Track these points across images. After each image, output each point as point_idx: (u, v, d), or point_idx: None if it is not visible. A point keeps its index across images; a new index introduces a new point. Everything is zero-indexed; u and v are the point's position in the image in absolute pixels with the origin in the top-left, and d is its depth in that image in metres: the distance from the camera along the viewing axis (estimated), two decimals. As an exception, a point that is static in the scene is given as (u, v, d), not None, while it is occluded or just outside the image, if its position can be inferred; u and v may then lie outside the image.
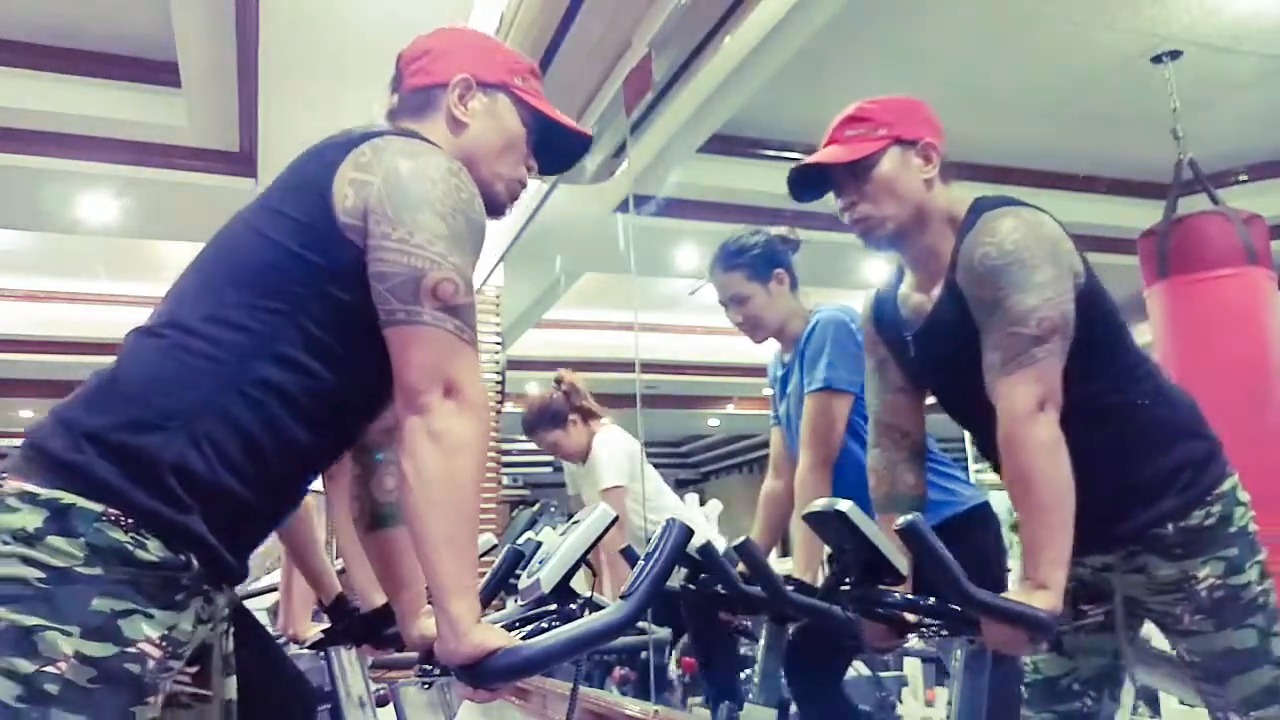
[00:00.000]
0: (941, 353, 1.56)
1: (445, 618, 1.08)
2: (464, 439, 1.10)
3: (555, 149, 1.43)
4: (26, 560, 1.02)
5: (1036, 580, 1.36)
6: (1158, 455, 1.49)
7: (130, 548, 1.04)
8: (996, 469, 1.55)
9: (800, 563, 2.18)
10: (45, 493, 1.04)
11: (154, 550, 1.06)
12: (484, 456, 1.13)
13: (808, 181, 1.63)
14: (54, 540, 1.02)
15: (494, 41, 1.43)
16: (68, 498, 1.04)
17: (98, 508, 1.04)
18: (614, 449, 3.37)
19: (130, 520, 1.05)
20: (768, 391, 2.59)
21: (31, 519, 1.03)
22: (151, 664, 1.06)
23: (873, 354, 1.73)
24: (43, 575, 1.02)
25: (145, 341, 1.16)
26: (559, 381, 3.46)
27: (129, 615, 1.04)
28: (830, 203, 1.68)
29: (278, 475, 1.16)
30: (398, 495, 1.37)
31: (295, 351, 1.14)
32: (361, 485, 1.50)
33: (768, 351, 2.54)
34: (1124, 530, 1.48)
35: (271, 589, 3.21)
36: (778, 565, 2.37)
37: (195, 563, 1.09)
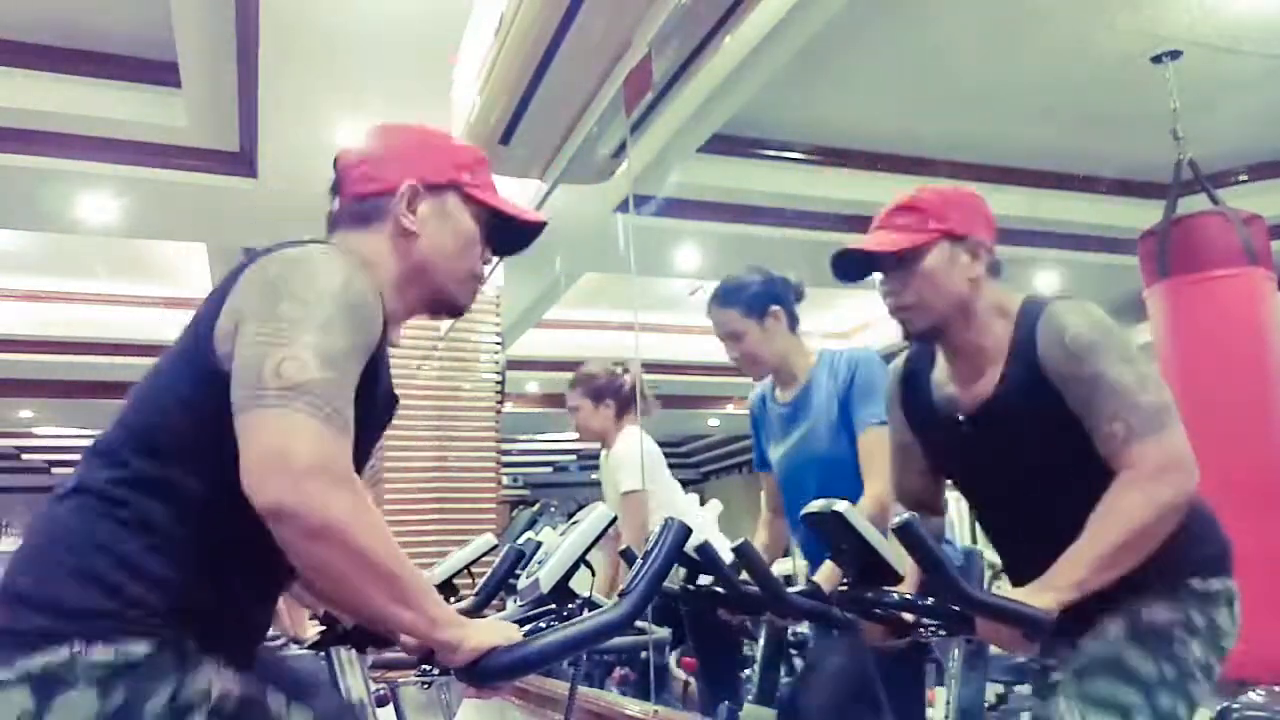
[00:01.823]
0: (998, 434, 1.55)
1: (433, 645, 1.09)
2: (338, 523, 1.00)
3: (510, 235, 1.39)
4: None
5: (1052, 583, 1.36)
6: (1174, 547, 1.44)
7: (119, 654, 1.02)
8: (1010, 555, 1.59)
9: (823, 575, 2.18)
10: (15, 670, 1.00)
11: (139, 645, 1.04)
12: (364, 515, 1.03)
13: (852, 263, 1.62)
14: (61, 703, 0.99)
15: (438, 136, 1.38)
16: (38, 659, 1.00)
17: (64, 649, 1.01)
18: (636, 452, 3.37)
19: (99, 638, 1.02)
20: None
21: (21, 700, 0.99)
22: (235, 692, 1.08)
23: (897, 434, 1.75)
24: None
25: (56, 508, 1.13)
26: (624, 370, 3.49)
27: (183, 686, 1.05)
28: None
29: (225, 600, 1.14)
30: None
31: (189, 496, 1.10)
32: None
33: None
34: (1119, 588, 1.44)
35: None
36: (775, 566, 2.37)
37: (187, 633, 1.08)
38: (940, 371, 1.65)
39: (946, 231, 1.56)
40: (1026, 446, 1.52)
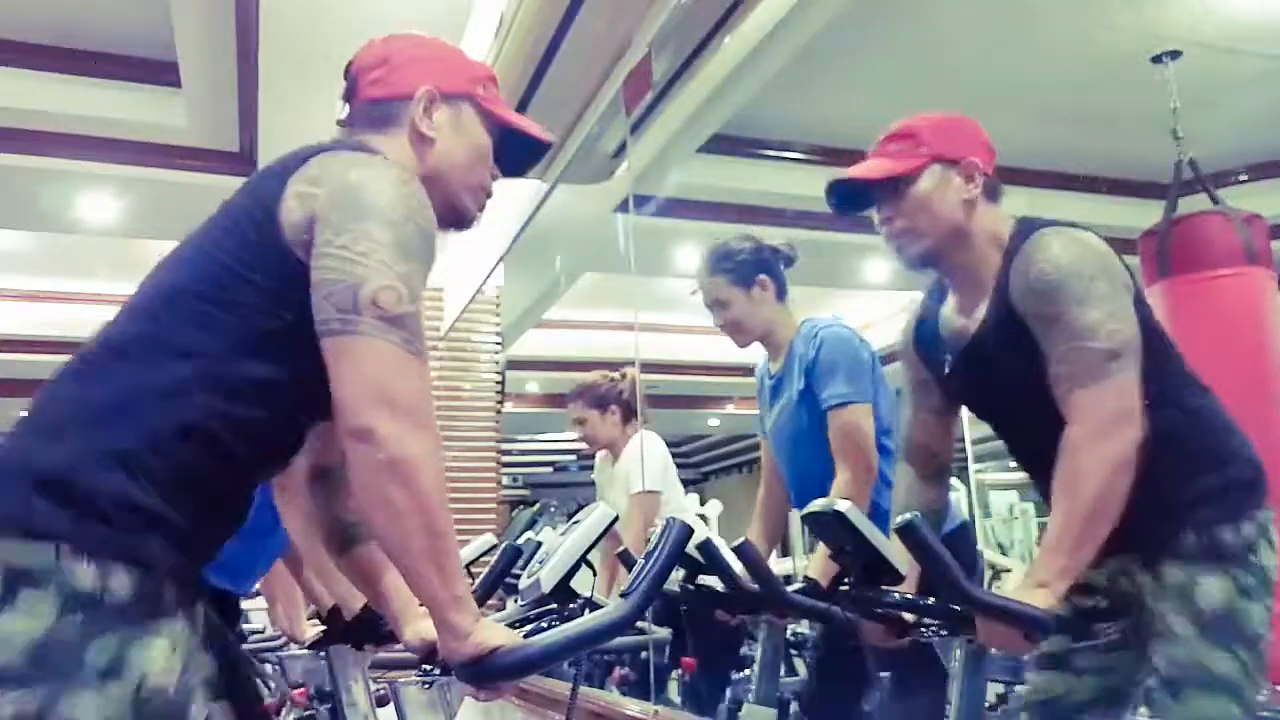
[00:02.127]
0: (986, 371, 1.56)
1: (444, 627, 1.08)
2: (417, 461, 1.04)
3: (515, 153, 1.41)
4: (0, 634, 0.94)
5: (1040, 578, 1.36)
6: (1195, 472, 1.47)
7: (100, 579, 0.98)
8: (1036, 478, 1.55)
9: (816, 566, 2.19)
10: None
11: (122, 577, 0.99)
12: (440, 468, 1.07)
13: (848, 194, 1.62)
14: (22, 601, 0.95)
15: (453, 48, 1.39)
16: (17, 549, 0.97)
17: (49, 548, 0.97)
18: (650, 453, 3.37)
19: (86, 551, 0.98)
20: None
21: None
22: (173, 684, 1.01)
23: (912, 373, 1.73)
24: (26, 642, 0.94)
25: (79, 370, 1.12)
26: (621, 375, 3.50)
27: (131, 645, 0.98)
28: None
29: (219, 495, 1.12)
30: (366, 523, 1.33)
31: (235, 377, 1.09)
32: (324, 508, 1.46)
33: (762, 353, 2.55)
34: (1148, 536, 1.46)
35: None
36: (776, 565, 2.38)
37: (165, 578, 1.03)
38: (948, 304, 1.65)
39: (938, 155, 1.55)
40: (1013, 380, 1.50)
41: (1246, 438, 1.53)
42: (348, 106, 1.33)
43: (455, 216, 1.34)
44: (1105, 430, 1.37)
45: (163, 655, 1.00)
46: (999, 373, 1.53)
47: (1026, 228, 1.52)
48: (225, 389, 1.09)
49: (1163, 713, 1.42)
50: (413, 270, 1.10)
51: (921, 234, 1.55)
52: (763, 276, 2.35)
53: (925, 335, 1.69)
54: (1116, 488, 1.36)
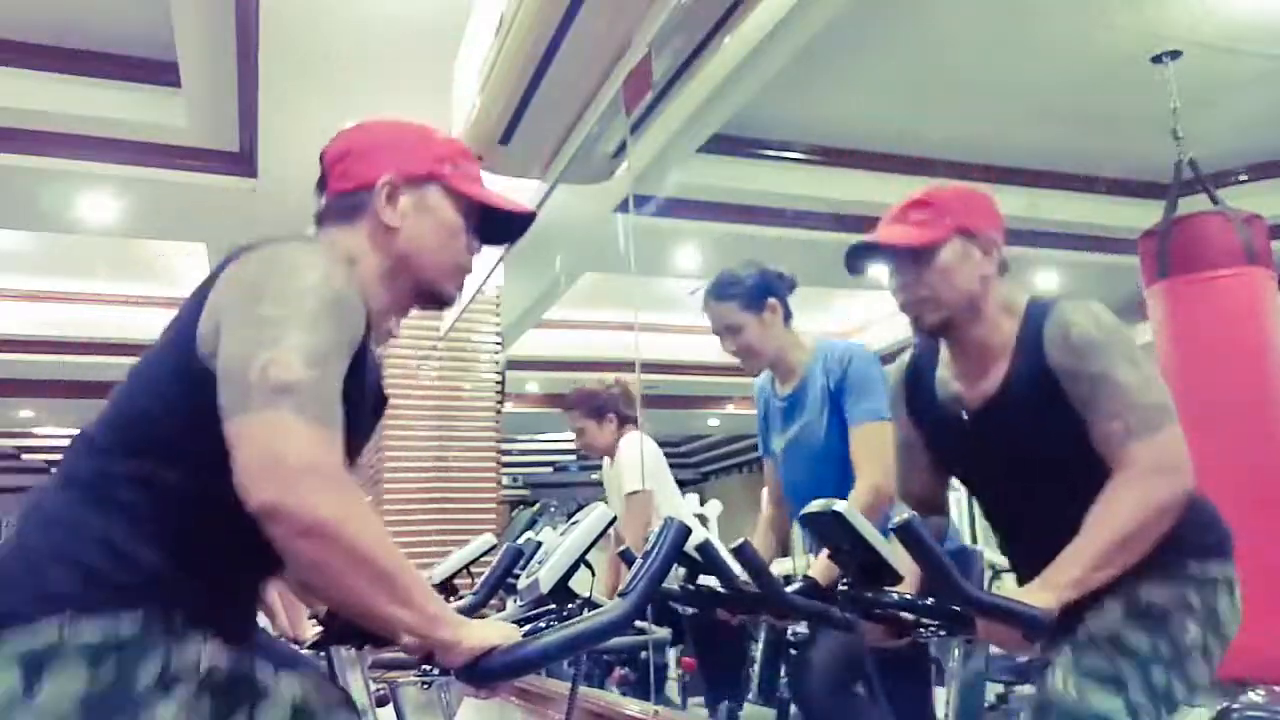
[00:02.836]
0: (1002, 433, 1.57)
1: (433, 646, 1.08)
2: (332, 520, 1.00)
3: (498, 226, 1.39)
4: (44, 712, 0.98)
5: (1051, 581, 1.37)
6: (1175, 535, 1.45)
7: (110, 629, 1.02)
8: (1013, 544, 1.60)
9: (820, 568, 2.19)
10: (2, 651, 0.99)
11: (129, 621, 1.04)
12: (358, 513, 1.03)
13: (865, 256, 1.64)
14: (50, 680, 0.99)
15: (420, 129, 1.36)
16: (25, 638, 1.00)
17: (54, 625, 1.00)
18: (638, 453, 3.39)
19: (88, 612, 1.02)
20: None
21: (8, 680, 0.98)
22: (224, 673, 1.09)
23: (903, 434, 1.76)
24: (74, 704, 0.99)
25: (42, 496, 1.14)
26: (615, 382, 3.54)
27: (171, 655, 1.05)
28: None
29: (214, 584, 1.14)
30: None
31: (176, 492, 1.10)
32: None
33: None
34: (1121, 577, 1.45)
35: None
36: (776, 566, 2.38)
37: (174, 607, 1.07)
38: (945, 369, 1.66)
39: (960, 228, 1.57)
40: (1031, 442, 1.53)
41: (1215, 509, 1.56)
42: (322, 198, 1.32)
43: (433, 298, 1.33)
44: (1160, 473, 1.41)
45: (200, 653, 1.08)
46: (1019, 435, 1.55)
47: (1043, 301, 1.57)
48: (174, 508, 1.10)
49: (1061, 668, 1.42)
50: (313, 339, 1.06)
51: (942, 304, 1.57)
52: (772, 300, 2.35)
53: (917, 398, 1.71)
54: (1153, 526, 1.39)
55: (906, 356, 1.77)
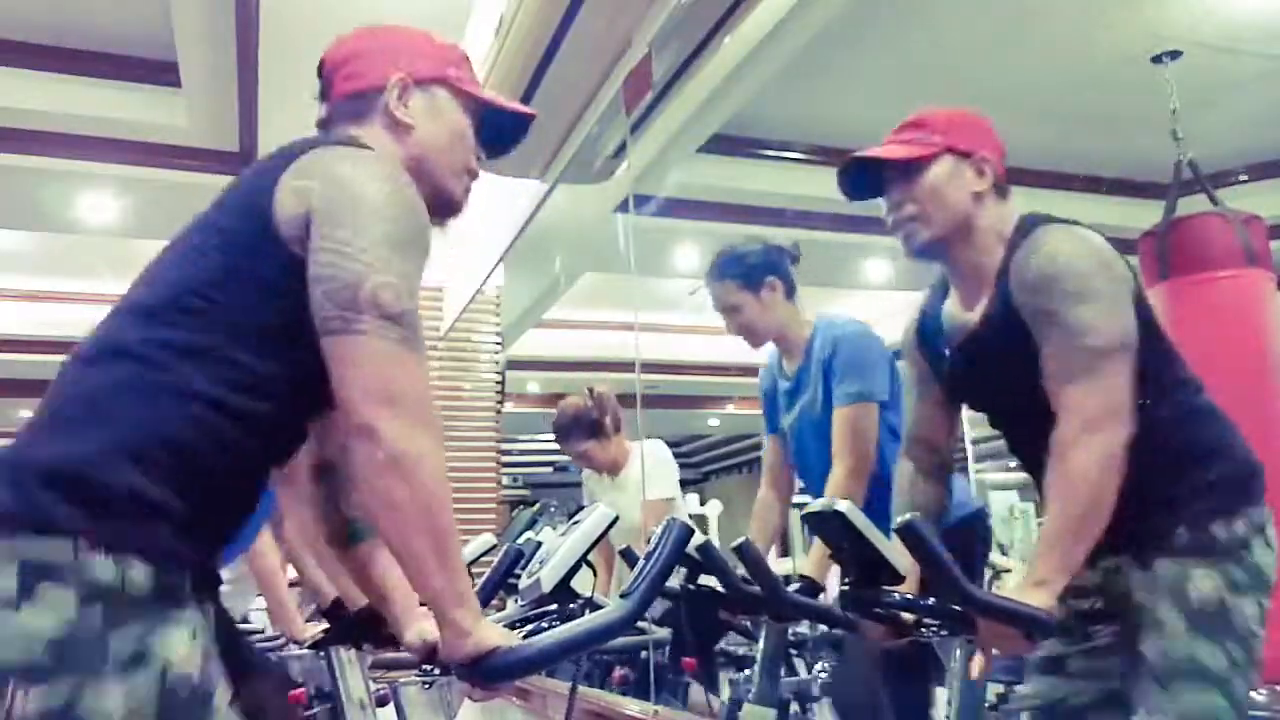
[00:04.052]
0: (985, 367, 1.57)
1: (446, 623, 1.08)
2: (419, 457, 1.05)
3: (496, 133, 1.40)
4: (21, 629, 0.94)
5: (1037, 577, 1.36)
6: (1189, 469, 1.47)
7: (118, 572, 0.98)
8: (1032, 473, 1.55)
9: (812, 563, 2.19)
10: (11, 549, 0.96)
11: (140, 568, 0.99)
12: (442, 465, 1.08)
13: (859, 178, 1.62)
14: (41, 596, 0.95)
15: (421, 33, 1.37)
16: (34, 545, 0.97)
17: (67, 543, 0.97)
18: (663, 460, 3.37)
19: (104, 545, 0.98)
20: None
21: (5, 582, 0.95)
22: (197, 671, 1.01)
23: (914, 369, 1.75)
24: (49, 637, 0.94)
25: (82, 370, 1.11)
26: (590, 392, 3.44)
27: (153, 634, 0.98)
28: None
29: (227, 488, 1.12)
30: (369, 520, 1.34)
31: (236, 371, 1.09)
32: (329, 504, 1.46)
33: (767, 353, 2.55)
34: (1141, 532, 1.46)
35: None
36: (776, 565, 2.38)
37: (181, 570, 1.04)
38: (950, 299, 1.65)
39: (950, 146, 1.57)
40: (1012, 376, 1.51)
41: (1244, 438, 1.54)
42: (325, 106, 1.33)
43: (443, 202, 1.33)
44: (1094, 427, 1.38)
45: (184, 643, 1.01)
46: (998, 369, 1.54)
47: (1028, 223, 1.53)
48: (227, 383, 1.09)
49: (1151, 705, 1.42)
50: (410, 265, 1.11)
51: (930, 221, 1.56)
52: (771, 278, 2.36)
53: (927, 330, 1.70)
54: (1107, 485, 1.37)
55: (921, 294, 1.76)
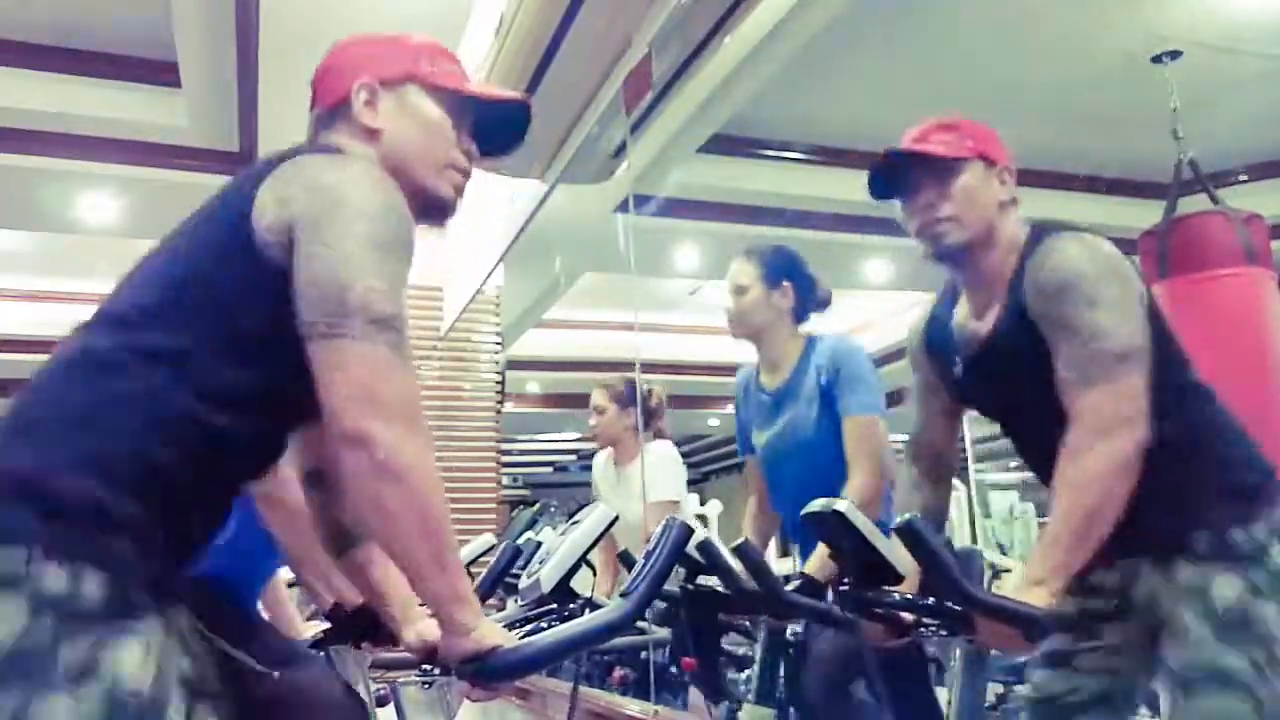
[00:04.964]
0: (998, 375, 1.57)
1: (447, 623, 1.08)
2: (411, 462, 1.03)
3: (494, 125, 1.35)
4: None
5: (1036, 576, 1.36)
6: (1207, 475, 1.47)
7: (71, 582, 0.94)
8: (1043, 480, 1.55)
9: (814, 562, 2.19)
10: None
11: (93, 579, 0.96)
12: (434, 468, 1.06)
13: (886, 175, 1.61)
14: None
15: (391, 36, 1.35)
16: None
17: (20, 552, 0.94)
18: (672, 461, 3.39)
19: (57, 555, 0.95)
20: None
21: None
22: (148, 684, 0.97)
23: (921, 375, 1.75)
24: None
25: (51, 376, 1.09)
26: (653, 394, 3.51)
27: (103, 648, 0.95)
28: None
29: (196, 499, 1.10)
30: (363, 526, 1.32)
31: (213, 377, 1.08)
32: (321, 511, 1.44)
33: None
34: (1160, 537, 1.46)
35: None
36: (776, 565, 2.38)
37: (136, 581, 1.00)
38: (961, 308, 1.66)
39: (982, 153, 1.58)
40: (1025, 382, 1.51)
41: (1258, 444, 1.54)
42: (312, 116, 1.33)
43: (429, 203, 1.30)
44: (1108, 432, 1.38)
45: (136, 657, 0.97)
46: (1011, 376, 1.54)
47: (1039, 231, 1.53)
48: (201, 393, 1.07)
49: (1175, 712, 1.42)
50: (397, 267, 1.10)
51: (965, 224, 1.55)
52: (787, 284, 2.36)
53: (935, 337, 1.70)
54: (1116, 490, 1.37)
55: (927, 300, 1.76)
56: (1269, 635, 1.40)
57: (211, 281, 1.11)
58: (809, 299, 2.40)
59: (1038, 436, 1.55)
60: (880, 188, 1.62)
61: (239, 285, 1.10)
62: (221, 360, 1.08)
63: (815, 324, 2.44)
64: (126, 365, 1.06)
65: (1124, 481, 1.37)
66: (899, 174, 1.60)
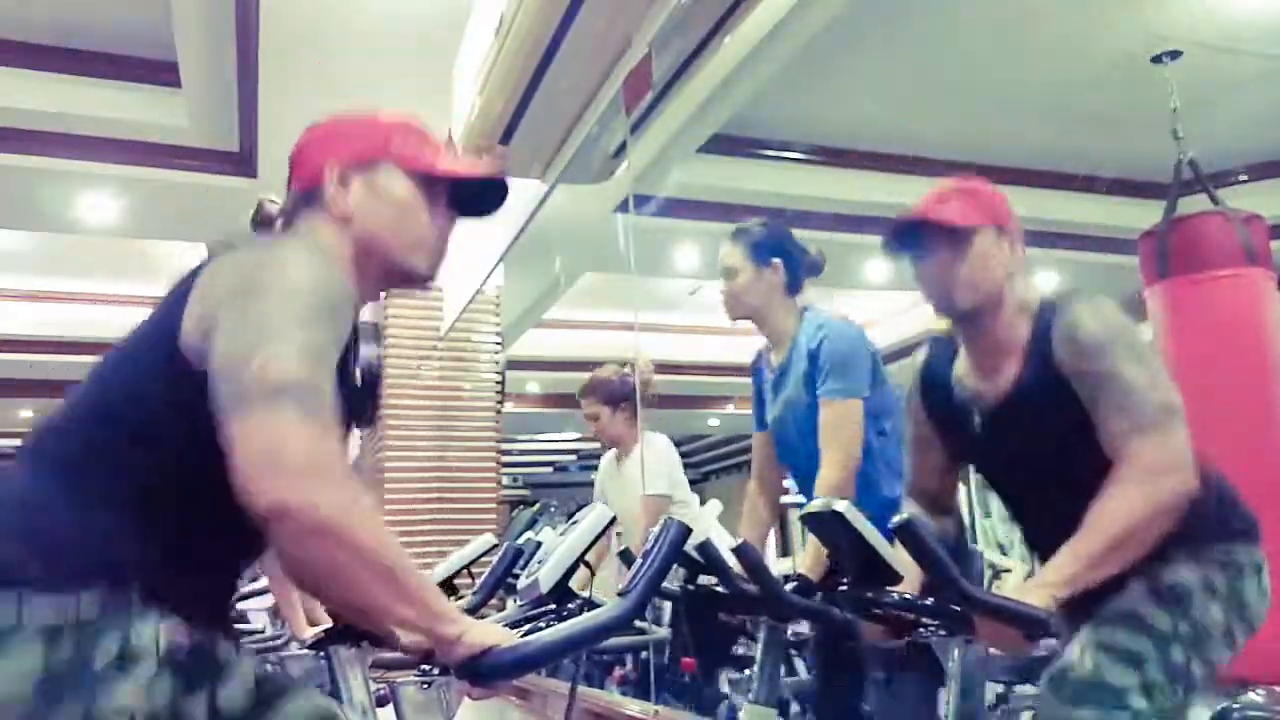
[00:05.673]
0: (1018, 429, 1.59)
1: (432, 639, 1.09)
2: (330, 515, 1.00)
3: (471, 194, 1.36)
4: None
5: (1046, 579, 1.38)
6: (1193, 512, 1.47)
7: (70, 608, 1.00)
8: (1036, 539, 1.62)
9: (808, 560, 2.19)
10: None
11: (87, 595, 1.02)
12: (361, 511, 1.03)
13: (903, 234, 1.65)
14: (5, 656, 0.98)
15: (367, 114, 1.35)
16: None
17: (12, 602, 0.98)
18: (662, 456, 3.39)
19: (47, 588, 1.01)
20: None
21: None
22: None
23: (914, 429, 1.78)
24: (33, 679, 0.98)
25: (15, 471, 1.12)
26: (630, 366, 3.52)
27: (124, 652, 1.02)
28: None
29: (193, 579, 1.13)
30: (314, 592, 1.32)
31: (178, 485, 1.10)
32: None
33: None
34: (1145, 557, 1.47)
35: (265, 590, 3.22)
36: (775, 565, 2.38)
37: (133, 584, 1.05)
38: (961, 366, 1.68)
39: (995, 220, 1.61)
40: (1043, 441, 1.55)
41: (1239, 497, 1.57)
42: (289, 196, 1.33)
43: (406, 277, 1.32)
44: (1157, 475, 1.41)
45: (160, 630, 1.04)
46: (1032, 432, 1.57)
47: (1057, 298, 1.58)
48: (171, 498, 1.10)
49: (1082, 639, 1.44)
50: (313, 334, 1.06)
51: (978, 289, 1.59)
52: (776, 260, 2.37)
53: (935, 391, 1.72)
54: (1150, 529, 1.40)
55: (922, 353, 1.78)
56: (1204, 624, 1.44)
57: (141, 396, 1.13)
58: (800, 270, 2.40)
59: (1043, 495, 1.59)
60: (896, 246, 1.66)
61: (165, 400, 1.11)
62: (158, 464, 1.10)
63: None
64: (70, 464, 1.10)
65: (1159, 524, 1.40)
66: (916, 232, 1.63)
